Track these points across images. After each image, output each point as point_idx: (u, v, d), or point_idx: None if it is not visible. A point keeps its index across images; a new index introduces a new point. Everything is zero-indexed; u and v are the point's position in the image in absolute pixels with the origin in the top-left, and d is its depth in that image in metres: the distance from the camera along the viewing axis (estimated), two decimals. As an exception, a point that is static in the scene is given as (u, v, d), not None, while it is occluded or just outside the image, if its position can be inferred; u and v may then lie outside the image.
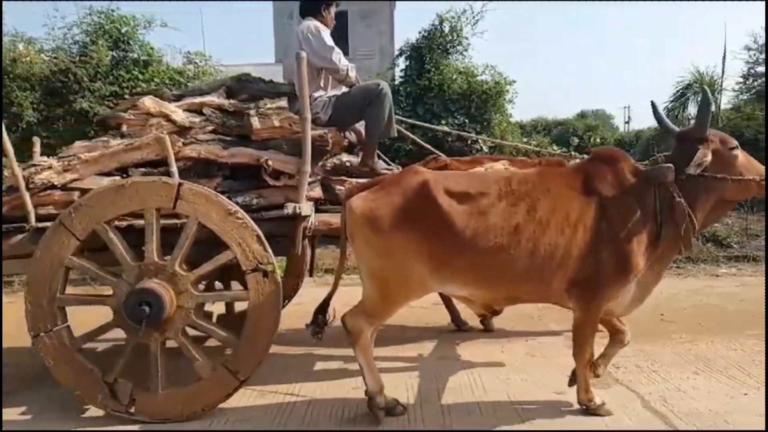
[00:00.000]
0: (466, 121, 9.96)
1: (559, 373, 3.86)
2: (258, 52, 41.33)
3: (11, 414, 3.42)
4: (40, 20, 14.09)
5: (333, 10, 4.28)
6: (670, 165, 3.10)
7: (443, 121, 9.55)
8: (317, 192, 3.69)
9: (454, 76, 10.12)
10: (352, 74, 4.07)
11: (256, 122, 3.57)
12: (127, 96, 8.34)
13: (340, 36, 17.87)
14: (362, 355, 3.16)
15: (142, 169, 3.48)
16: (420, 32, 10.45)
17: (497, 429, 3.12)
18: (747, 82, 14.31)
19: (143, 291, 3.09)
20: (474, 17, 10.34)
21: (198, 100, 3.79)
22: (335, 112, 3.97)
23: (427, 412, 3.34)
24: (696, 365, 4.01)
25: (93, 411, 3.36)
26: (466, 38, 10.49)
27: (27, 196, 3.27)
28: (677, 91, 12.81)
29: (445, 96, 9.98)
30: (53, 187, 3.37)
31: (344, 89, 4.19)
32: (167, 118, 3.66)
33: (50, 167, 3.37)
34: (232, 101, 3.82)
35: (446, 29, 10.29)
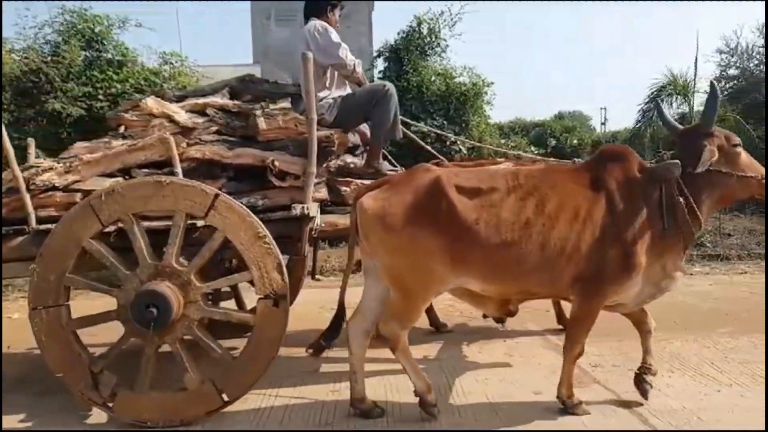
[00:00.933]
0: (445, 122, 10.00)
1: (536, 373, 3.90)
2: (236, 52, 41.00)
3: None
4: (11, 19, 13.86)
5: (338, 12, 4.30)
6: (676, 162, 3.14)
7: (422, 123, 9.56)
8: (323, 193, 3.66)
9: (433, 78, 10.16)
10: (359, 70, 4.09)
11: (262, 123, 3.53)
12: (101, 97, 8.25)
13: (319, 37, 17.95)
14: (404, 358, 3.18)
15: (146, 170, 3.42)
16: (398, 33, 10.47)
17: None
18: (720, 85, 14.57)
19: (154, 293, 3.02)
20: (452, 19, 10.39)
21: (201, 100, 3.75)
22: (341, 113, 3.97)
23: (405, 413, 3.33)
24: (671, 363, 4.06)
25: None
26: (444, 40, 10.54)
27: (27, 197, 3.21)
28: (652, 93, 12.98)
29: (424, 97, 10.02)
30: (54, 188, 3.31)
31: (349, 90, 4.18)
32: (170, 118, 3.61)
33: (51, 168, 3.31)
34: (235, 102, 3.78)
35: (424, 31, 10.32)
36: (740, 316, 5.18)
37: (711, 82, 3.51)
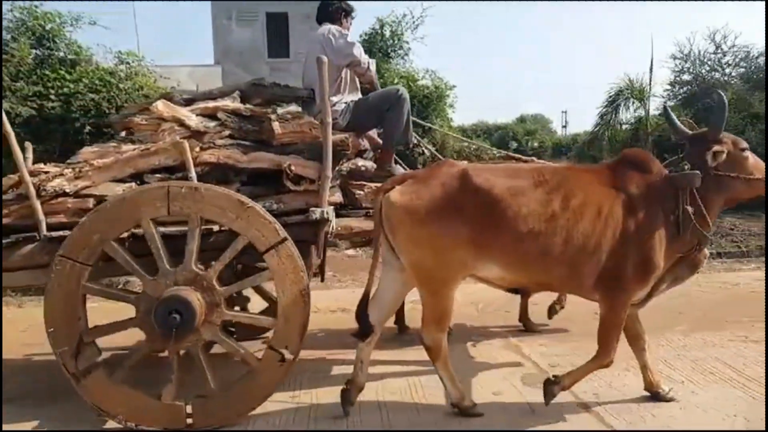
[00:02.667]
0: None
1: (497, 374, 3.91)
2: (196, 53, 40.28)
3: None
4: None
5: (350, 21, 4.33)
6: (697, 172, 3.22)
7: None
8: (337, 197, 3.65)
9: (396, 81, 10.17)
10: (373, 69, 4.12)
11: (277, 127, 3.50)
12: (52, 96, 7.97)
13: (281, 38, 17.76)
14: (443, 369, 3.24)
15: (158, 175, 3.36)
16: (361, 36, 10.45)
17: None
18: (674, 90, 15.03)
19: (173, 299, 2.97)
20: (414, 22, 10.43)
21: (211, 104, 3.69)
22: (354, 117, 3.99)
23: (366, 414, 3.32)
24: (627, 362, 4.09)
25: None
26: (407, 43, 10.58)
27: (38, 204, 3.13)
28: (609, 97, 13.30)
29: (387, 100, 9.99)
30: (65, 194, 3.22)
31: (360, 95, 4.20)
32: (180, 122, 3.53)
33: (62, 174, 3.24)
34: (247, 105, 3.72)
35: (387, 33, 10.33)
36: (693, 315, 5.29)
37: (718, 92, 3.63)
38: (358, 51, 4.00)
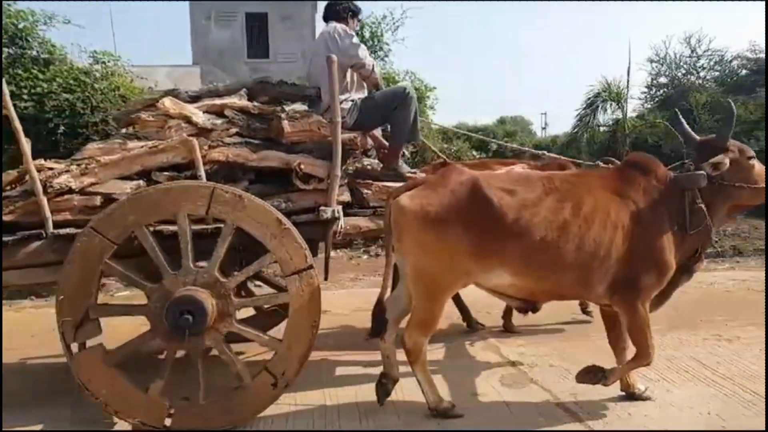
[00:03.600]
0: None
1: (476, 375, 3.91)
2: (174, 53, 39.82)
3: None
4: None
5: (357, 22, 4.31)
6: (702, 173, 3.27)
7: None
8: (345, 196, 3.64)
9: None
10: (377, 70, 4.09)
11: (286, 125, 3.48)
12: (25, 96, 7.80)
13: (260, 38, 17.67)
14: (422, 372, 3.24)
15: (166, 173, 3.32)
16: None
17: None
18: (651, 92, 15.28)
19: (189, 299, 2.94)
20: (394, 23, 10.43)
21: (218, 101, 3.65)
22: (361, 116, 3.97)
23: (344, 414, 3.32)
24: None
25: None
26: (387, 44, 10.57)
27: (45, 201, 3.08)
28: (588, 99, 13.45)
29: (367, 101, 9.97)
30: (70, 191, 3.18)
31: (366, 93, 4.18)
32: (187, 119, 3.49)
33: (67, 171, 3.20)
34: (255, 103, 3.70)
35: (366, 35, 10.32)
36: (668, 314, 5.32)
37: (728, 101, 3.68)
38: (363, 53, 3.99)
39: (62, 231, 3.11)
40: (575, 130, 13.22)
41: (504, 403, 3.46)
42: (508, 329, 4.99)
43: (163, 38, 38.12)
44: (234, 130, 3.54)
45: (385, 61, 10.72)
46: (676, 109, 4.06)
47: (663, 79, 15.19)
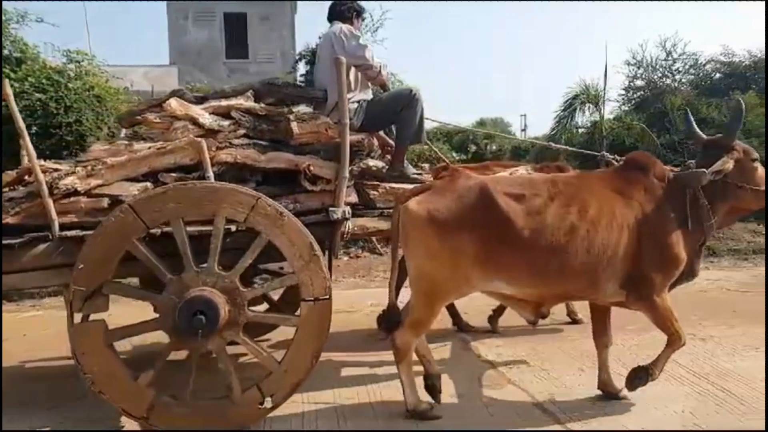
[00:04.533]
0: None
1: (454, 376, 3.91)
2: (151, 53, 39.24)
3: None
4: None
5: (361, 21, 4.34)
6: (704, 170, 3.30)
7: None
8: (352, 197, 3.65)
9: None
10: (384, 72, 4.08)
11: (296, 127, 3.48)
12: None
13: (239, 38, 17.55)
14: (406, 372, 3.25)
15: (173, 174, 3.29)
16: (320, 37, 10.36)
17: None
18: (628, 95, 15.45)
19: (206, 300, 2.93)
20: (374, 24, 10.41)
21: (225, 102, 3.62)
22: (368, 117, 3.98)
23: (322, 415, 3.32)
24: (582, 362, 4.18)
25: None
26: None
27: (51, 203, 3.04)
28: (566, 102, 13.56)
29: (347, 102, 9.93)
30: (76, 193, 3.14)
31: (371, 93, 4.18)
32: (193, 121, 3.45)
33: (73, 172, 3.15)
34: (262, 105, 3.68)
35: (346, 35, 10.26)
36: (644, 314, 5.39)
37: (737, 100, 3.76)
38: (370, 54, 3.98)
39: (69, 233, 3.06)
40: (553, 131, 13.31)
41: (482, 404, 3.47)
42: (493, 329, 5.01)
43: (141, 38, 37.56)
44: (241, 131, 3.53)
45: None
46: (687, 109, 4.13)
47: (640, 82, 15.34)
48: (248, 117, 3.56)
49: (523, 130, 28.04)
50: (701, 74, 15.17)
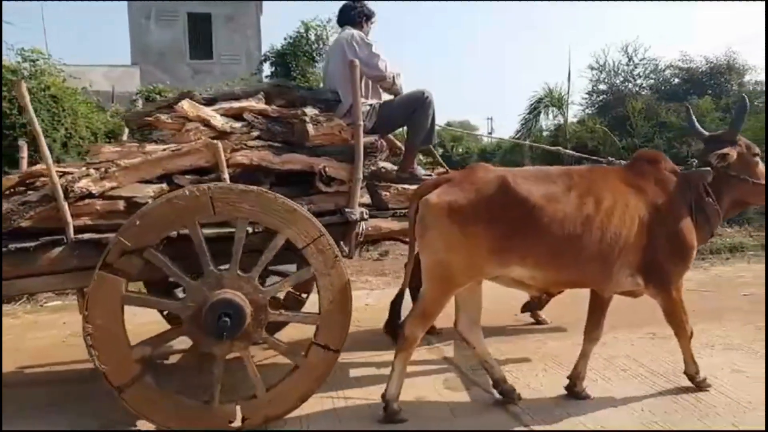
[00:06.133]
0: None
1: (420, 378, 3.91)
2: (112, 53, 38.26)
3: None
4: None
5: (371, 25, 4.31)
6: (709, 169, 3.52)
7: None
8: (365, 198, 3.69)
9: (321, 84, 10.06)
10: (399, 81, 4.10)
11: (311, 129, 3.49)
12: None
13: (203, 39, 17.29)
14: (401, 363, 3.28)
15: (188, 177, 3.27)
16: (285, 38, 10.29)
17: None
18: (591, 98, 15.76)
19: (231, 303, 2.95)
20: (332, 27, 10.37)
21: (236, 104, 3.60)
22: (380, 120, 4.02)
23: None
24: (545, 363, 4.22)
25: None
26: (332, 47, 10.49)
27: (66, 206, 3.00)
28: (531, 105, 13.77)
29: (313, 104, 9.90)
30: (90, 195, 3.10)
31: (385, 97, 4.19)
32: (205, 122, 3.42)
33: (88, 175, 3.12)
34: (274, 107, 3.67)
35: (312, 37, 10.23)
36: (609, 313, 5.45)
37: (742, 96, 3.88)
38: (384, 65, 3.98)
39: (85, 236, 3.04)
40: (518, 134, 13.50)
41: (446, 406, 3.46)
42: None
43: (101, 38, 36.67)
44: (255, 133, 3.51)
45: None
46: (688, 106, 4.31)
47: (602, 86, 15.67)
48: (261, 119, 3.57)
49: (490, 133, 28.42)
50: (661, 79, 15.57)
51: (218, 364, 3.03)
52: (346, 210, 3.41)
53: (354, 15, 4.22)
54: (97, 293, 2.87)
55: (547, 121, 13.80)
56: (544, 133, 13.68)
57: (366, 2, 4.30)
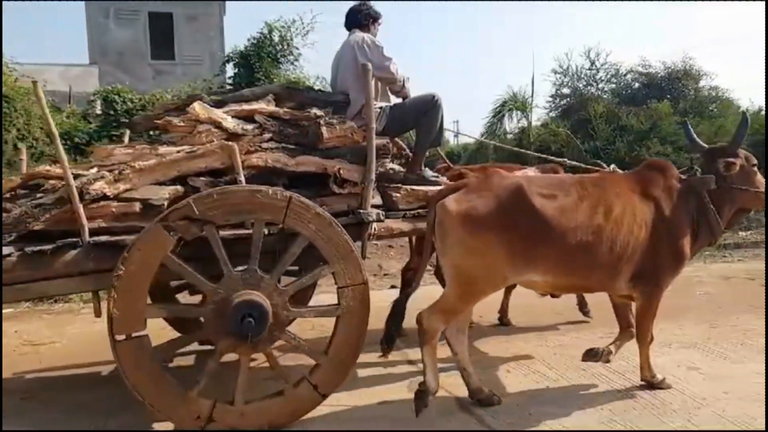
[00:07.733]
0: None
1: (383, 382, 3.90)
2: (69, 52, 37.16)
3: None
4: None
5: (378, 26, 4.31)
6: (711, 176, 3.64)
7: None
8: (377, 199, 3.69)
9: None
10: (408, 86, 4.13)
11: (325, 131, 3.51)
12: None
13: (165, 39, 16.95)
14: (430, 355, 3.31)
15: (203, 179, 3.27)
16: (249, 39, 10.16)
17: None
18: (555, 102, 16.03)
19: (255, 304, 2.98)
20: (304, 28, 10.32)
21: (247, 106, 3.61)
22: (390, 122, 4.05)
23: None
24: (508, 364, 4.24)
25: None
26: (297, 48, 10.42)
27: (81, 209, 2.98)
28: (495, 108, 13.92)
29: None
30: (104, 198, 3.09)
31: (395, 100, 4.21)
32: (216, 124, 3.42)
33: (102, 177, 3.10)
34: (286, 109, 3.69)
35: (275, 38, 10.13)
36: (570, 315, 5.54)
37: (743, 112, 4.03)
38: (395, 68, 4.00)
39: (103, 239, 3.02)
40: (483, 137, 13.63)
41: (409, 408, 3.44)
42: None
43: (58, 36, 35.57)
44: (267, 135, 3.52)
45: (296, 66, 10.57)
46: (686, 119, 4.50)
47: (566, 90, 15.96)
48: (272, 121, 3.58)
49: (456, 135, 28.62)
50: (622, 83, 15.96)
51: (215, 359, 3.06)
52: (361, 211, 3.45)
53: (361, 18, 4.22)
54: (144, 241, 2.87)
55: (512, 124, 13.98)
56: (509, 136, 13.84)
57: (370, 3, 4.30)
